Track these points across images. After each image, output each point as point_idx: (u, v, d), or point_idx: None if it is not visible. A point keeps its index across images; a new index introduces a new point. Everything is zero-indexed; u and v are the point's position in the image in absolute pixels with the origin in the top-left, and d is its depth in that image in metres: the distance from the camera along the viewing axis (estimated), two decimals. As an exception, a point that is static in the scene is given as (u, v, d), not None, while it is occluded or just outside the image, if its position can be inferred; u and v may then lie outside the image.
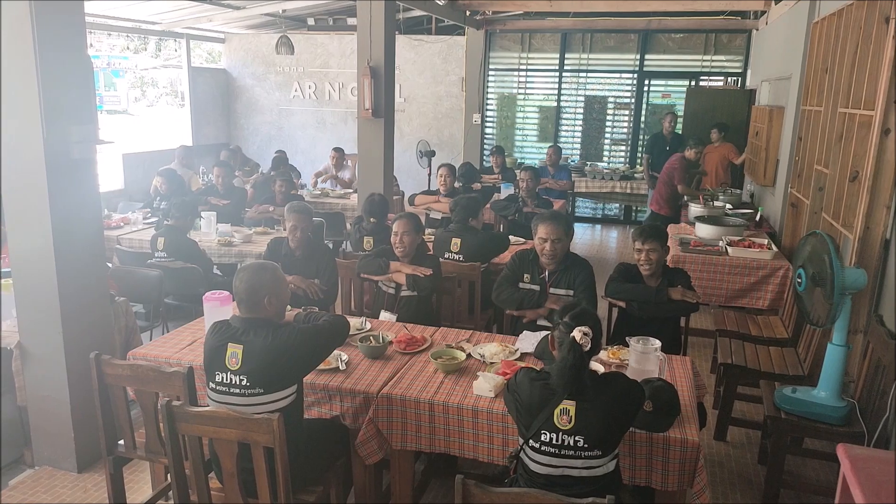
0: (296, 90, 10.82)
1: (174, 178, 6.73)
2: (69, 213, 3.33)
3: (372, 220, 4.79)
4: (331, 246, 6.72)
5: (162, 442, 2.64)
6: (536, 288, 3.65)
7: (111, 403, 2.74)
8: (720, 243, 5.26)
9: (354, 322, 3.43)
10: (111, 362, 2.65)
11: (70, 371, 3.41)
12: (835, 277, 2.89)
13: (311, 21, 10.70)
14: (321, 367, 2.85)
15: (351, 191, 7.76)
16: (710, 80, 9.81)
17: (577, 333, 2.21)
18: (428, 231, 5.26)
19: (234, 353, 2.42)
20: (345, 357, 3.01)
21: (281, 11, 9.42)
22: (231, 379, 2.42)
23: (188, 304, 4.81)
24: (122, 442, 2.80)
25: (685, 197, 7.00)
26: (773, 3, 7.39)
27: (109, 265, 4.50)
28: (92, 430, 3.36)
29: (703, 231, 5.50)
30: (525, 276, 3.71)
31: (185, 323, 3.54)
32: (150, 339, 4.10)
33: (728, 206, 6.61)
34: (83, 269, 3.46)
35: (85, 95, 3.37)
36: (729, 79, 9.70)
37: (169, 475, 2.60)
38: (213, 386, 2.46)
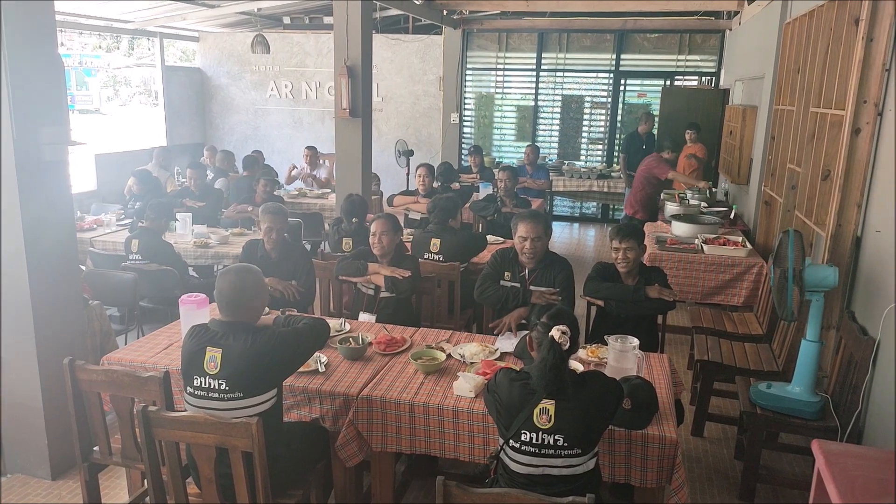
0: (272, 89, 10.73)
1: (148, 178, 6.64)
2: (40, 216, 3.27)
3: (354, 220, 4.77)
4: (308, 247, 6.68)
5: (138, 448, 2.61)
6: (518, 286, 3.67)
7: (86, 409, 2.69)
8: (696, 241, 5.32)
9: (333, 323, 3.41)
10: (85, 367, 2.60)
11: (43, 377, 3.34)
12: (790, 274, 2.98)
13: (286, 20, 10.62)
14: (300, 369, 2.83)
15: (328, 191, 7.72)
16: (685, 80, 9.93)
17: (555, 333, 2.23)
18: (407, 231, 5.25)
19: (213, 357, 2.39)
20: (324, 359, 3.00)
21: (256, 10, 9.33)
22: (210, 383, 2.39)
23: (163, 306, 4.74)
24: (97, 448, 2.76)
25: (662, 197, 7.04)
26: (745, 3, 7.49)
27: (82, 268, 4.43)
28: (66, 436, 3.29)
29: (679, 229, 5.57)
30: (506, 273, 3.73)
31: (161, 326, 3.50)
32: (125, 343, 4.04)
33: (703, 204, 6.69)
34: (55, 272, 3.39)
35: (56, 95, 3.31)
36: (703, 78, 9.82)
37: (146, 481, 2.57)
38: (191, 390, 2.43)
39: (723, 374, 3.88)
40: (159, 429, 2.31)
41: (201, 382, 2.41)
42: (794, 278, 3.03)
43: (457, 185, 7.37)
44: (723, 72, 9.43)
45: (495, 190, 6.47)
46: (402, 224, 4.66)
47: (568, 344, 2.23)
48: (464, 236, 4.64)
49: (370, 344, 3.19)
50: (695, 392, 4.22)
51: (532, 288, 3.64)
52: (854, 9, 3.68)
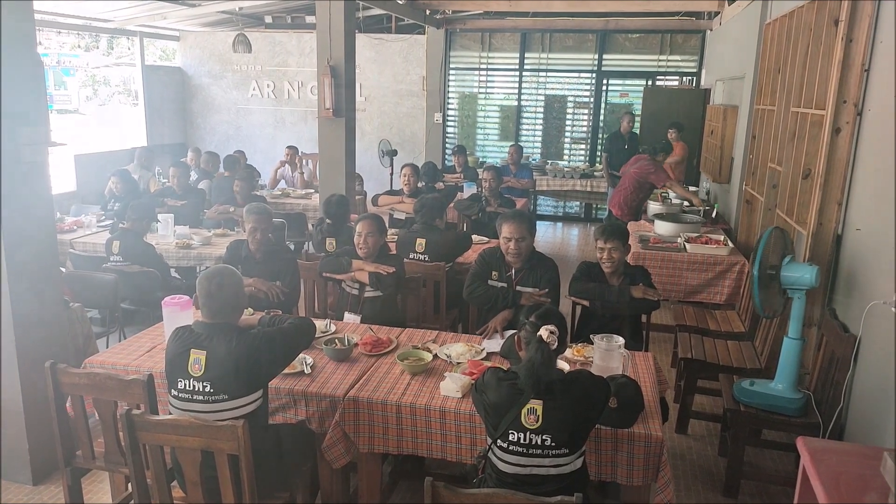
0: (254, 89, 10.66)
1: (128, 179, 6.56)
2: (20, 217, 3.22)
3: (327, 221, 4.75)
4: (292, 247, 6.64)
5: (122, 451, 2.57)
6: (505, 286, 3.67)
7: (67, 413, 2.65)
8: (678, 240, 5.36)
9: (319, 324, 3.39)
10: (67, 371, 2.57)
11: (24, 380, 3.29)
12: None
13: (268, 19, 10.54)
14: (286, 370, 2.81)
15: (312, 191, 7.68)
16: (666, 80, 10.00)
17: (543, 332, 2.23)
18: (391, 231, 5.24)
19: (198, 359, 2.37)
20: (310, 360, 2.98)
21: (237, 9, 9.26)
22: (194, 385, 2.37)
23: (145, 308, 4.69)
24: (79, 452, 2.72)
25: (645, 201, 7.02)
26: (726, 4, 7.56)
27: (63, 270, 4.37)
28: (48, 440, 3.24)
29: (662, 228, 5.61)
30: (493, 273, 3.73)
31: (143, 328, 3.46)
32: (107, 346, 4.00)
33: (685, 203, 6.73)
34: (36, 274, 3.34)
35: (35, 96, 3.26)
36: (684, 78, 9.90)
37: (129, 485, 2.54)
38: (176, 393, 2.41)
39: (706, 371, 3.91)
40: (143, 432, 2.28)
41: (186, 385, 2.39)
42: (772, 276, 3.06)
43: (441, 184, 7.37)
44: (703, 72, 9.51)
45: (479, 189, 6.48)
46: (387, 224, 4.65)
47: (556, 344, 2.24)
48: (449, 236, 4.64)
49: (356, 345, 3.18)
50: (679, 390, 4.25)
51: (519, 289, 3.64)
52: (834, 10, 3.72)
